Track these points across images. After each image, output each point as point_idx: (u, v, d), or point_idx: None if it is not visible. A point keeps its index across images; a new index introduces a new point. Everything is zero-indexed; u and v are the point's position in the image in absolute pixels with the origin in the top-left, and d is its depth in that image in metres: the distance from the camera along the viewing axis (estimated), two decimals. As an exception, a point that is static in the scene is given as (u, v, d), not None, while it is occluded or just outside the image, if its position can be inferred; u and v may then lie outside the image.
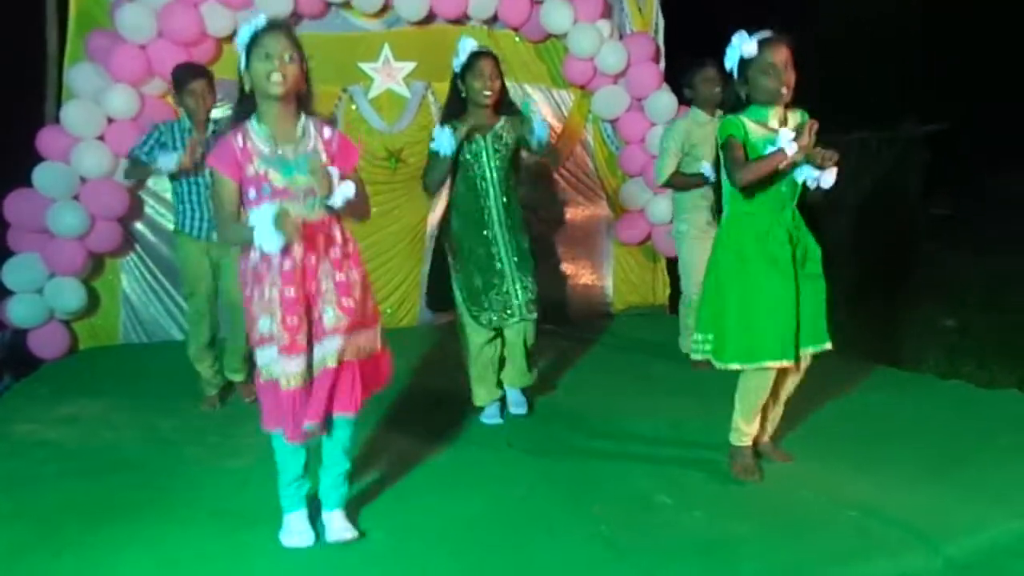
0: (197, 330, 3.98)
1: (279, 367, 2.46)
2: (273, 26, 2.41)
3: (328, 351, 2.49)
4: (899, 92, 9.47)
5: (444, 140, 3.43)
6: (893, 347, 4.91)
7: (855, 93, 8.83)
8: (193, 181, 3.81)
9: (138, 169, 3.96)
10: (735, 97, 2.90)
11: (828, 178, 2.80)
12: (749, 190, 2.87)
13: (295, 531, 2.60)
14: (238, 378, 4.02)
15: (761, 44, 2.79)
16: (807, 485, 2.91)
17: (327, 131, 2.56)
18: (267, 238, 2.33)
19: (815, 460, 3.12)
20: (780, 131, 2.82)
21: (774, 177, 2.86)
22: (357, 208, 2.53)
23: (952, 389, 4.02)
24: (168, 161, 3.68)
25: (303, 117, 2.52)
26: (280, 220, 2.32)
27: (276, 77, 2.37)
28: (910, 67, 9.87)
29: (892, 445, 3.27)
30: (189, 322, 4.11)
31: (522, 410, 3.77)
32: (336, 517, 2.64)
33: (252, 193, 2.46)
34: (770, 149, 2.79)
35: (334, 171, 2.43)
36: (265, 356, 2.49)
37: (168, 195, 4.96)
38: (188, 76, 3.82)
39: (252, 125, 2.47)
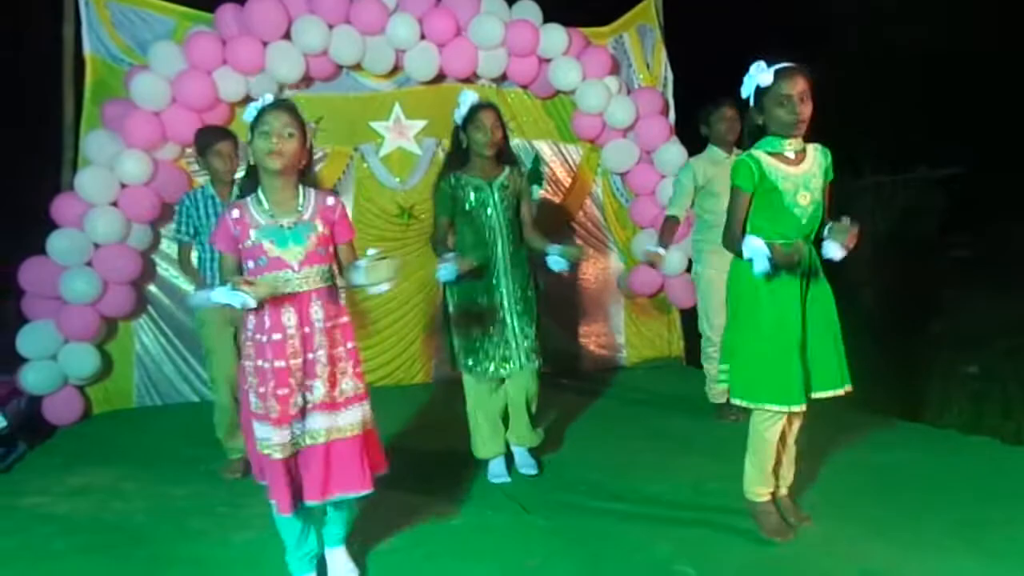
0: (217, 396, 3.87)
1: (270, 439, 2.46)
2: (276, 104, 2.50)
3: (315, 427, 2.51)
4: (914, 135, 9.45)
5: (447, 271, 3.34)
6: (915, 397, 4.81)
7: (870, 136, 8.83)
8: (214, 248, 3.82)
9: (184, 250, 3.96)
10: (753, 126, 2.87)
11: (836, 253, 2.77)
12: (760, 226, 2.83)
13: None
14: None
15: (777, 74, 2.75)
16: (832, 551, 2.82)
17: (330, 199, 2.60)
18: (231, 298, 2.36)
19: (839, 522, 3.03)
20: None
21: (790, 211, 2.80)
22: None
23: (977, 445, 3.90)
24: (202, 300, 3.62)
25: (302, 188, 2.57)
26: (236, 287, 2.34)
27: (274, 154, 2.45)
28: (926, 110, 9.88)
29: (916, 506, 3.17)
30: (210, 387, 4.07)
31: (532, 471, 3.68)
32: (338, 555, 2.72)
33: (251, 264, 2.52)
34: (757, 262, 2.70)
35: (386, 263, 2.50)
36: (260, 430, 2.49)
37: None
38: (214, 138, 3.80)
39: (252, 198, 2.54)
